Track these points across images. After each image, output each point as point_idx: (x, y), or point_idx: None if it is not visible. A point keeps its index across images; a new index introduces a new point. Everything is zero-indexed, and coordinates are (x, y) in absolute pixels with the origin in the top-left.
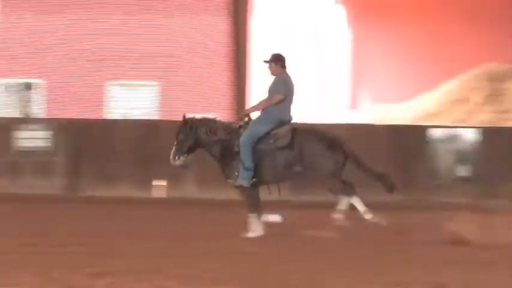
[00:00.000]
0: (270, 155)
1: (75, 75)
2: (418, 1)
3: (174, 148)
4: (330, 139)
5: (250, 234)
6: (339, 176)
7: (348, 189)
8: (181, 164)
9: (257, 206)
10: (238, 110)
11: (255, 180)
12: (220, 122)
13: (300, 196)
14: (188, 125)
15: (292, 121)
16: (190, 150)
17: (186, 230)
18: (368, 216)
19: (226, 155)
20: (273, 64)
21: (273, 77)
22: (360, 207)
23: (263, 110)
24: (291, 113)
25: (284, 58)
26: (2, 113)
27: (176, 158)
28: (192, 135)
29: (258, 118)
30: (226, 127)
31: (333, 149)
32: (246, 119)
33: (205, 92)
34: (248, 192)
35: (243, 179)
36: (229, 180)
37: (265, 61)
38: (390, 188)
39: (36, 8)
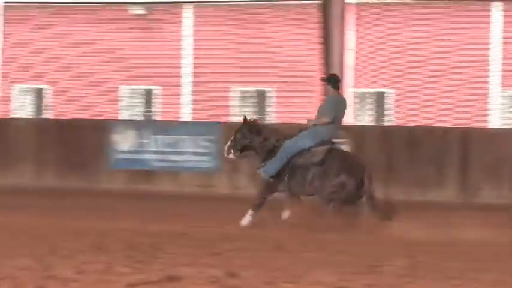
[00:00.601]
0: (303, 169)
1: None
2: None
3: (229, 143)
4: (355, 165)
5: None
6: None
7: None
8: (233, 159)
9: (261, 204)
10: None
11: (273, 179)
12: (276, 130)
13: None
14: (248, 127)
15: (331, 141)
16: (244, 148)
17: None
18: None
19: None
20: (325, 84)
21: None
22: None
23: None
24: (335, 132)
25: (337, 80)
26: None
27: (230, 151)
28: (249, 137)
29: (307, 132)
30: (280, 136)
31: (351, 176)
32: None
33: None
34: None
35: (267, 171)
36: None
37: (321, 78)
38: (387, 217)
39: None
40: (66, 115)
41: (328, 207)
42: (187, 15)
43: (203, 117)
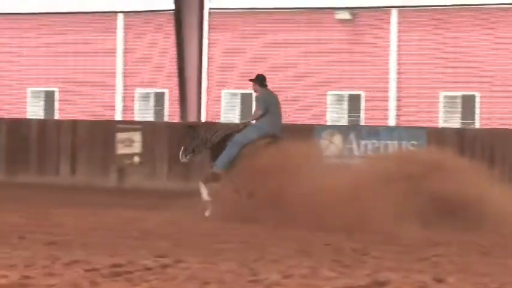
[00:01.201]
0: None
1: None
2: None
3: (182, 148)
4: None
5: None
6: None
7: None
8: (188, 161)
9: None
10: None
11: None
12: (219, 125)
13: None
14: (192, 129)
15: (277, 134)
16: (195, 150)
17: None
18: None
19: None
20: (254, 84)
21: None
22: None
23: (256, 121)
24: (278, 126)
25: (261, 78)
26: None
27: (183, 156)
28: (196, 137)
29: (252, 126)
30: (225, 129)
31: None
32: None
33: None
34: (215, 177)
35: (220, 166)
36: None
37: (250, 80)
38: None
39: None
40: None
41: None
42: (392, 19)
43: (409, 121)
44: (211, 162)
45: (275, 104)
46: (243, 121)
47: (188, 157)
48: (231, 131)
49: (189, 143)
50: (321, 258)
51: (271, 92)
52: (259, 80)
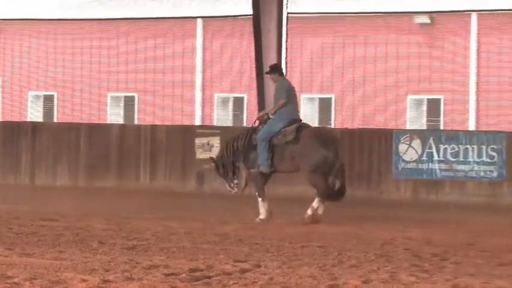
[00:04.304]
0: (279, 149)
1: None
2: None
3: (225, 182)
4: (327, 138)
5: (261, 217)
6: (328, 175)
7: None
8: (240, 187)
9: (263, 192)
10: None
11: (272, 169)
12: (237, 136)
13: None
14: (218, 159)
15: (299, 119)
16: (234, 172)
17: None
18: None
19: (249, 152)
20: (271, 74)
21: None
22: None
23: (275, 112)
24: (298, 112)
25: (279, 67)
26: None
27: (231, 187)
28: (225, 161)
29: (273, 119)
30: (243, 134)
31: (327, 147)
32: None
33: None
34: (259, 179)
35: (264, 166)
36: (252, 170)
37: (266, 73)
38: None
39: None
40: (351, 123)
41: (313, 181)
42: (472, 23)
43: (488, 126)
44: (246, 168)
45: (294, 92)
46: (264, 112)
47: (236, 183)
48: (250, 130)
49: (224, 172)
50: (401, 263)
51: (289, 81)
52: (278, 70)
